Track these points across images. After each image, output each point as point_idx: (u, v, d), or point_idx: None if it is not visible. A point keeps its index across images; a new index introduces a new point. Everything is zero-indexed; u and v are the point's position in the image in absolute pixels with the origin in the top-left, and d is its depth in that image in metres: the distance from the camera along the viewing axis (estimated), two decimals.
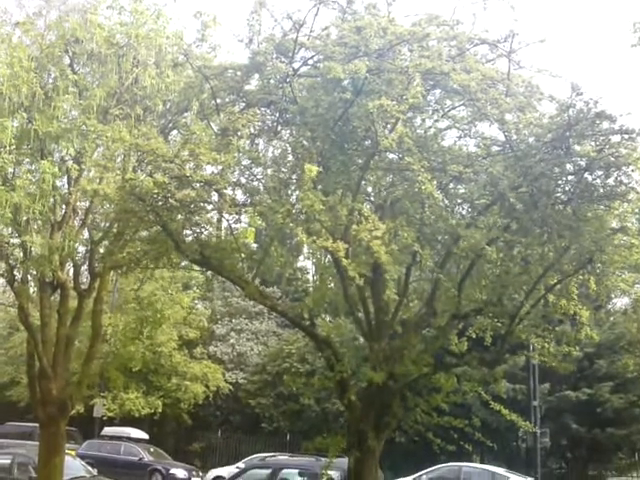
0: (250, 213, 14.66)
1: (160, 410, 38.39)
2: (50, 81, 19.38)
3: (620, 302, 38.62)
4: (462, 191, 16.77)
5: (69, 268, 21.89)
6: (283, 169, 15.82)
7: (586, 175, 15.49)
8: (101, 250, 21.09)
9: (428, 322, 16.84)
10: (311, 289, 23.52)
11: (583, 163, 15.23)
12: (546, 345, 17.84)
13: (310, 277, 32.51)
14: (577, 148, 15.03)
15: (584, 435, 37.36)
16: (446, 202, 15.91)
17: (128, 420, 38.34)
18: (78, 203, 20.86)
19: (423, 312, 16.60)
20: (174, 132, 20.96)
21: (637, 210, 16.06)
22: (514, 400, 32.67)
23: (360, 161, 15.60)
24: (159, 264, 18.29)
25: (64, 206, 20.36)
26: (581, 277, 16.89)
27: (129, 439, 36.39)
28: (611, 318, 40.98)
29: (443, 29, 15.07)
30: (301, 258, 24.44)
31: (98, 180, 18.44)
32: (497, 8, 14.82)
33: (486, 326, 17.51)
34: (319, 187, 14.48)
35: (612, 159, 14.78)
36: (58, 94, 18.51)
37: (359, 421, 15.89)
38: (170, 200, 14.66)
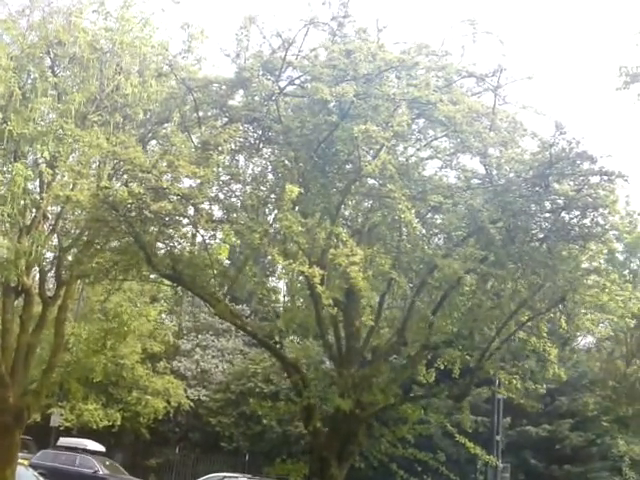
0: (226, 230, 14.40)
1: (119, 423, 37.60)
2: (29, 82, 18.97)
3: (584, 340, 38.91)
4: (439, 221, 16.77)
5: (35, 274, 21.35)
6: (262, 187, 15.67)
7: (563, 214, 15.57)
8: (69, 258, 20.61)
9: (398, 351, 16.72)
10: (281, 309, 23.24)
11: (561, 202, 15.31)
12: (514, 381, 17.82)
13: (281, 297, 32.26)
14: (556, 186, 15.08)
15: (542, 471, 37.31)
16: (423, 231, 15.87)
17: (85, 431, 37.54)
18: (49, 208, 20.36)
19: (394, 340, 16.47)
20: (153, 142, 20.63)
21: (606, 251, 16.14)
22: (476, 432, 32.47)
23: (340, 185, 15.50)
24: (128, 276, 17.96)
25: (34, 210, 19.85)
26: (552, 315, 16.91)
27: (85, 451, 35.61)
28: (574, 356, 41.18)
29: (432, 59, 15.09)
30: (272, 278, 24.21)
31: (71, 186, 18.05)
32: (486, 42, 14.93)
33: (455, 358, 17.44)
34: (297, 208, 14.34)
35: (590, 200, 14.87)
36: (36, 96, 18.11)
37: (323, 448, 15.67)
38: (144, 211, 14.39)
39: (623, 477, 34.97)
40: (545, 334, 17.15)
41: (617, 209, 15.17)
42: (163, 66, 18.74)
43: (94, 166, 18.58)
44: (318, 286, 12.97)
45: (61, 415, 36.49)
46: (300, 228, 13.17)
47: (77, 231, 20.10)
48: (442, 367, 17.84)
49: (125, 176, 15.66)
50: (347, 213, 17.55)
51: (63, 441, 36.35)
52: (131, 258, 16.21)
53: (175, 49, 19.62)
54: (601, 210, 15.03)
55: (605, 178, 14.65)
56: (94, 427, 36.93)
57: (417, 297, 15.72)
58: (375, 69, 14.27)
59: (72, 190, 17.22)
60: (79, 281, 21.75)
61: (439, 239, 17.05)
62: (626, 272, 29.57)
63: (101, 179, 16.90)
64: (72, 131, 17.61)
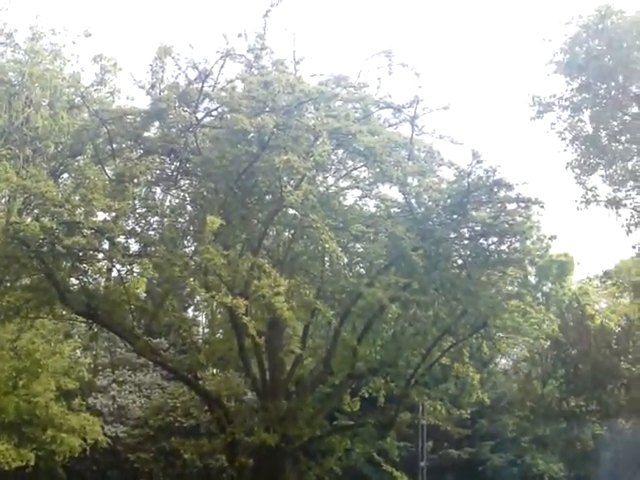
0: (144, 264, 13.94)
1: (32, 463, 35.94)
2: None
3: (501, 362, 39.64)
4: (361, 250, 16.80)
5: None
6: (181, 219, 15.36)
7: (482, 240, 15.84)
8: None
9: (323, 380, 16.58)
10: (201, 342, 22.76)
11: (479, 229, 15.57)
12: (438, 407, 17.90)
13: (201, 329, 31.94)
14: (474, 214, 15.34)
15: None
16: (346, 260, 15.83)
17: None
18: None
19: (320, 370, 16.31)
20: (65, 175, 20.07)
21: (521, 277, 16.47)
22: (399, 457, 32.50)
23: (261, 216, 15.34)
24: (41, 314, 17.18)
25: None
26: (474, 340, 17.10)
27: None
28: (493, 378, 41.82)
29: (349, 91, 15.18)
30: (193, 310, 23.78)
31: None
32: (402, 73, 15.13)
33: (380, 386, 17.44)
34: (217, 240, 14.04)
35: (507, 226, 15.18)
36: None
37: None
38: (57, 246, 13.85)
39: None
40: (467, 359, 17.34)
41: (532, 234, 15.54)
42: (75, 98, 18.31)
43: (3, 201, 17.90)
44: (243, 317, 12.71)
45: None
46: (222, 260, 12.90)
47: None
48: (367, 395, 17.76)
49: (36, 211, 15.11)
50: (268, 243, 17.36)
51: None
52: (43, 295, 15.53)
53: (88, 81, 19.25)
54: (518, 236, 15.32)
55: (522, 205, 14.98)
56: (6, 468, 35.19)
57: (341, 326, 15.61)
58: (294, 100, 14.24)
59: None
60: None
61: (361, 268, 17.05)
62: (539, 295, 30.33)
63: (11, 214, 16.27)
64: None
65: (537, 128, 18.43)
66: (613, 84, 17.45)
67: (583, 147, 17.99)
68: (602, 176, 18.09)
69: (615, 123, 17.82)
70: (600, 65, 16.89)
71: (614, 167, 17.95)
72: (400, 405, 16.75)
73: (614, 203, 17.82)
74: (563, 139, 18.02)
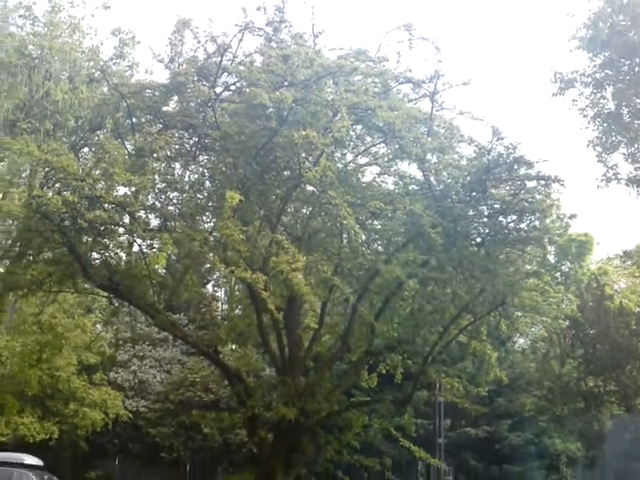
0: (165, 239, 14.00)
1: (56, 436, 36.53)
2: None
3: (518, 341, 39.54)
4: (379, 227, 16.76)
5: None
6: (200, 195, 15.38)
7: (501, 218, 15.73)
8: (0, 269, 19.91)
9: (341, 357, 16.63)
10: (219, 317, 22.89)
11: (498, 206, 15.46)
12: (455, 384, 17.93)
13: (220, 305, 32.11)
14: (493, 191, 15.21)
15: (482, 471, 37.83)
16: (364, 237, 15.82)
17: (22, 445, 36.33)
18: None
19: (338, 347, 16.36)
20: (85, 150, 20.17)
21: (540, 255, 16.38)
22: (416, 435, 32.66)
23: (279, 192, 15.32)
24: (63, 287, 17.31)
25: None
26: (492, 318, 17.06)
27: (22, 465, 34.39)
28: (510, 357, 41.75)
29: (369, 65, 15.03)
30: (213, 286, 23.85)
31: (1, 195, 17.46)
32: (422, 48, 14.99)
33: (397, 363, 17.47)
34: (236, 216, 14.07)
35: (526, 204, 15.06)
36: None
37: (269, 457, 15.41)
38: (79, 221, 13.94)
39: (560, 475, 35.72)
40: (485, 337, 17.32)
41: (551, 213, 15.42)
42: (94, 72, 18.32)
43: (24, 175, 18.02)
44: (262, 292, 12.72)
45: None
46: (241, 236, 12.92)
47: (9, 242, 19.43)
48: (384, 372, 17.82)
49: (57, 185, 15.19)
50: (286, 220, 17.36)
51: None
52: (66, 269, 15.65)
53: (106, 54, 19.25)
54: (537, 214, 15.21)
55: (542, 183, 14.84)
56: (30, 441, 35.79)
57: (359, 303, 15.61)
58: (313, 75, 14.12)
59: (3, 199, 16.65)
60: (12, 293, 20.99)
61: (379, 245, 17.01)
62: (558, 274, 30.13)
63: (33, 188, 16.39)
64: (1, 139, 17.05)
65: (558, 105, 18.29)
66: (637, 60, 17.20)
67: (605, 124, 17.78)
68: (623, 154, 17.90)
69: (638, 100, 17.58)
70: (624, 41, 16.63)
71: (636, 145, 17.74)
72: (417, 382, 16.80)
73: (635, 182, 17.64)
74: (585, 116, 17.82)
